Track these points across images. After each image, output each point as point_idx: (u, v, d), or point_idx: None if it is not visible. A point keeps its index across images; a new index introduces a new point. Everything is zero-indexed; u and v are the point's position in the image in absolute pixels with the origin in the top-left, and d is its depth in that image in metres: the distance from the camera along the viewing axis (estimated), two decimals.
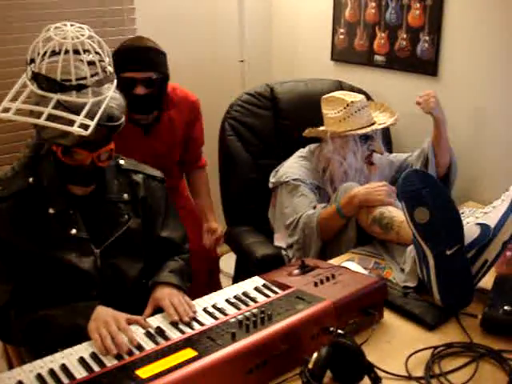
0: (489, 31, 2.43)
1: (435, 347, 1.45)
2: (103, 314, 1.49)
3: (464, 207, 1.94)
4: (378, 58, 2.86)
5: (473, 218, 1.70)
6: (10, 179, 1.63)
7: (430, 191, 1.60)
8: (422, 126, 2.75)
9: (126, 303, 1.64)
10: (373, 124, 2.29)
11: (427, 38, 2.62)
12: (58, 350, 1.39)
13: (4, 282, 1.57)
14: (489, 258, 1.64)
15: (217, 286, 2.57)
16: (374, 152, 2.33)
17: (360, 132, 2.24)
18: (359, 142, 2.28)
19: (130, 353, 1.36)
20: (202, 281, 2.41)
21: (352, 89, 2.67)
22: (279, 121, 2.64)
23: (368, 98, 2.57)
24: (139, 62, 2.19)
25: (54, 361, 1.34)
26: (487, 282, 1.68)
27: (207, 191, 2.61)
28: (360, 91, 2.62)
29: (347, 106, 2.24)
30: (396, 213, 1.99)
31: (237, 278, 2.56)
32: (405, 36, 2.71)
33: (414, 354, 1.43)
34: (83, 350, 1.39)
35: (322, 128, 2.33)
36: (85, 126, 1.43)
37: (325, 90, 2.50)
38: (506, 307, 1.52)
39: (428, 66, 2.65)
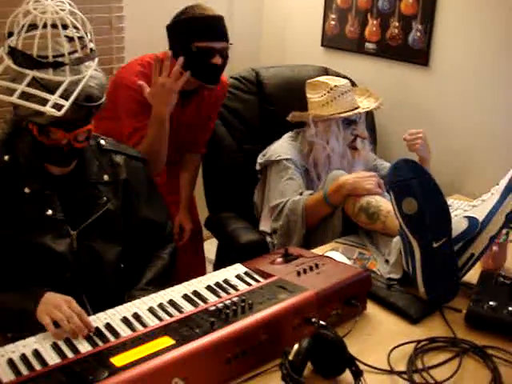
0: (482, 22, 2.40)
1: (418, 341, 1.43)
2: (52, 298, 1.42)
3: (453, 200, 1.92)
4: (368, 45, 2.82)
5: (461, 211, 1.68)
6: None
7: (420, 182, 1.57)
8: (409, 117, 2.74)
9: (103, 288, 1.60)
10: (356, 108, 2.27)
11: (420, 26, 2.58)
12: (7, 336, 1.34)
13: None
14: (475, 252, 1.62)
15: (201, 265, 2.60)
16: (358, 137, 2.30)
17: (342, 116, 2.22)
18: (342, 126, 2.26)
19: (105, 339, 1.32)
20: (185, 259, 2.37)
21: (338, 75, 2.63)
22: (264, 106, 2.61)
23: (353, 84, 2.54)
24: (216, 31, 2.14)
25: (26, 345, 1.29)
26: (472, 276, 1.66)
27: (194, 180, 2.56)
28: (346, 78, 2.58)
29: (331, 89, 2.23)
30: (383, 203, 1.97)
31: (218, 264, 2.53)
32: (397, 24, 2.67)
33: (396, 347, 1.41)
34: None
35: (305, 112, 2.31)
36: (59, 107, 1.37)
37: (311, 76, 2.46)
38: (490, 303, 1.50)
39: (419, 56, 2.62)
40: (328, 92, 2.23)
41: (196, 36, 2.07)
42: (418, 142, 2.22)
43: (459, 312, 1.55)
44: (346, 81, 2.29)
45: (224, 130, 2.52)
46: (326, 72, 2.70)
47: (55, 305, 1.39)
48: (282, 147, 2.31)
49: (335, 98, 2.23)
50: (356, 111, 2.25)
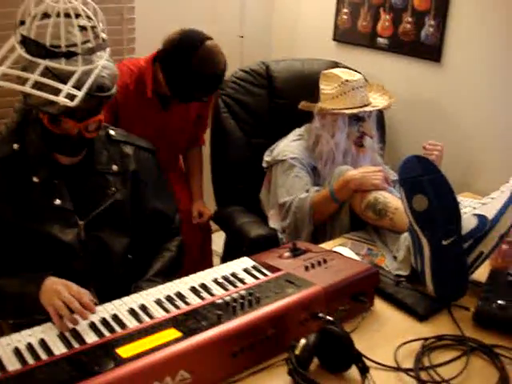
0: (495, 18, 2.37)
1: (426, 339, 1.42)
2: (52, 283, 1.42)
3: (462, 198, 1.90)
4: (380, 40, 2.80)
5: (470, 209, 1.67)
6: None
7: (431, 179, 1.55)
8: (420, 113, 2.72)
9: (110, 278, 1.60)
10: (366, 106, 2.24)
11: (432, 22, 2.56)
12: (10, 323, 1.34)
13: None
14: (484, 250, 1.60)
15: (208, 256, 2.62)
16: (364, 134, 2.27)
17: (347, 112, 2.19)
18: (349, 121, 2.23)
19: (112, 330, 1.31)
20: (194, 251, 2.43)
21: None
22: (274, 100, 2.59)
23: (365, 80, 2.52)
24: (218, 85, 2.31)
25: (32, 335, 1.30)
26: (481, 274, 1.65)
27: (201, 170, 2.63)
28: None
29: (342, 83, 2.20)
30: (391, 199, 1.96)
31: (226, 257, 2.52)
32: (410, 19, 2.64)
33: (403, 344, 1.40)
34: None
35: (313, 104, 2.30)
36: (71, 96, 1.36)
37: (321, 70, 2.41)
38: (499, 301, 1.49)
39: (432, 52, 2.59)
40: (339, 86, 2.20)
41: (200, 91, 2.23)
42: (435, 152, 2.21)
43: (467, 310, 1.54)
44: (359, 76, 2.26)
45: (233, 123, 2.51)
46: (336, 66, 2.67)
47: (54, 291, 1.39)
48: (289, 146, 2.29)
49: (345, 93, 2.20)
50: (362, 109, 2.21)
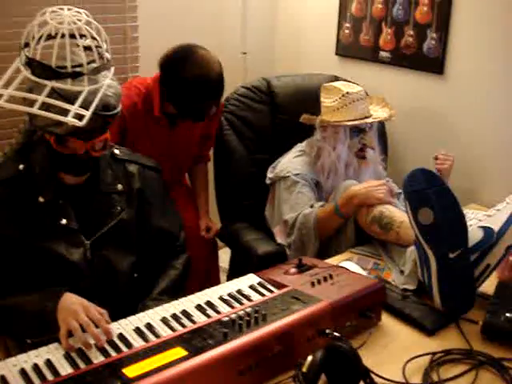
0: (497, 30, 2.38)
1: (434, 353, 1.41)
2: (69, 302, 1.41)
3: (467, 210, 1.90)
4: (383, 54, 2.81)
5: (476, 221, 1.66)
6: (0, 165, 1.58)
7: (436, 192, 1.55)
8: (424, 126, 2.72)
9: (116, 297, 1.59)
10: (367, 117, 2.25)
11: (434, 35, 2.57)
12: (26, 342, 1.34)
13: None
14: (491, 263, 1.60)
15: (215, 272, 2.61)
16: (366, 146, 2.27)
17: (349, 124, 2.20)
18: (350, 134, 2.24)
19: (118, 349, 1.31)
20: (200, 267, 2.42)
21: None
22: (276, 115, 2.60)
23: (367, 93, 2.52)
24: (221, 94, 2.30)
25: (38, 355, 1.29)
26: (489, 287, 1.64)
27: (207, 186, 2.64)
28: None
29: (342, 96, 2.21)
30: (396, 212, 1.95)
31: (232, 273, 2.52)
32: (411, 32, 2.66)
33: (411, 359, 1.39)
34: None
35: (314, 116, 2.31)
36: (79, 116, 1.37)
37: (322, 84, 2.42)
38: (507, 314, 1.47)
39: (434, 64, 2.60)
40: (340, 98, 2.21)
41: (200, 101, 2.22)
42: (447, 162, 2.22)
43: (475, 324, 1.52)
44: (360, 88, 2.27)
45: (236, 140, 2.51)
46: (336, 80, 2.68)
47: (72, 311, 1.38)
48: (291, 162, 2.29)
49: (346, 105, 2.21)
50: (363, 121, 2.22)
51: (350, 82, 2.49)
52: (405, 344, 1.47)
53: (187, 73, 2.17)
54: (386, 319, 1.56)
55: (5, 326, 1.51)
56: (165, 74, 2.23)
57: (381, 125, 2.59)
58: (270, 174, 2.36)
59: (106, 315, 1.39)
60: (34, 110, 1.37)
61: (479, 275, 1.60)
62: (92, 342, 1.32)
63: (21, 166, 1.56)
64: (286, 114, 2.59)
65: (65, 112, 1.37)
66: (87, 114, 1.38)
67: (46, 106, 1.38)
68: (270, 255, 2.20)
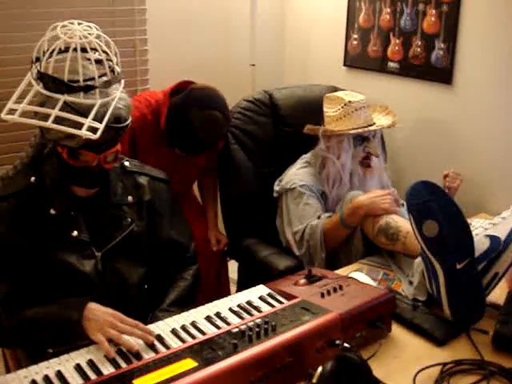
0: (505, 39, 2.38)
1: (444, 364, 1.40)
2: (100, 313, 1.43)
3: (473, 219, 1.89)
4: (391, 64, 2.81)
5: (481, 230, 1.65)
6: (11, 178, 1.60)
7: (439, 203, 1.55)
8: (433, 136, 2.71)
9: (127, 308, 1.60)
10: (370, 126, 2.25)
11: (442, 45, 2.57)
12: (47, 352, 1.34)
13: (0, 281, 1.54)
14: (499, 271, 1.59)
15: (226, 284, 2.60)
16: (370, 154, 2.27)
17: (352, 132, 2.21)
18: (354, 142, 2.24)
19: (128, 361, 1.32)
20: (211, 279, 2.43)
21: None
22: (280, 127, 2.59)
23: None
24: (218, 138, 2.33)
25: (49, 367, 1.30)
26: (499, 296, 1.63)
27: (215, 199, 2.63)
28: None
29: (345, 105, 2.22)
30: (402, 223, 1.95)
31: (241, 284, 2.52)
32: (419, 43, 2.66)
33: (422, 370, 1.38)
34: (80, 356, 1.35)
35: (317, 126, 2.31)
36: (93, 129, 1.39)
37: (322, 95, 2.41)
38: None
39: (442, 74, 2.60)
40: (342, 107, 2.22)
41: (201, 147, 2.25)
42: (457, 182, 2.23)
43: (486, 334, 1.52)
44: (362, 97, 2.27)
45: (241, 153, 2.49)
46: (335, 90, 2.67)
47: (108, 322, 1.41)
48: (297, 174, 2.29)
49: (349, 114, 2.22)
50: (366, 129, 2.23)
51: (351, 91, 2.50)
52: (415, 354, 1.47)
53: (194, 122, 2.18)
54: (396, 330, 1.56)
55: (24, 338, 1.52)
56: (170, 115, 2.25)
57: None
58: (276, 187, 2.36)
59: (140, 323, 1.43)
60: (49, 123, 1.39)
61: (487, 284, 1.59)
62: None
63: (32, 179, 1.58)
64: (289, 125, 2.57)
65: (78, 125, 1.39)
66: (101, 126, 1.40)
67: (59, 120, 1.39)
68: (291, 269, 2.12)
